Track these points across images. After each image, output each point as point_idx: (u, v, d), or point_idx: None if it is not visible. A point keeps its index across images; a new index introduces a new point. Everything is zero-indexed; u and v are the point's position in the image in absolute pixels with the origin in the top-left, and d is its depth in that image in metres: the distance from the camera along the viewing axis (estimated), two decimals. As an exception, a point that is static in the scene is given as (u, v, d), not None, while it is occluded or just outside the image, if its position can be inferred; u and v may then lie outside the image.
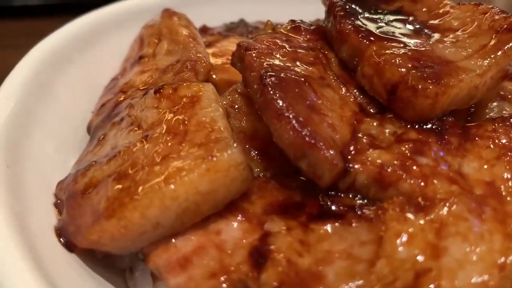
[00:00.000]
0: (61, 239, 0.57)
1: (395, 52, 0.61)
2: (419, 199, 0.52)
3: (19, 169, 0.59)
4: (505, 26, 0.63)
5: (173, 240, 0.53)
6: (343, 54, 0.66)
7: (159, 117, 0.58)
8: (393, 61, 0.60)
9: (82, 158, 0.64)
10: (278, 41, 0.67)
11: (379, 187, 0.54)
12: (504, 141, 0.58)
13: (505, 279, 0.47)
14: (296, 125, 0.52)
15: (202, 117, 0.56)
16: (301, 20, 0.75)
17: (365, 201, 0.54)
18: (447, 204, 0.51)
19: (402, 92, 0.58)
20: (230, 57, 0.81)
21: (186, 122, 0.56)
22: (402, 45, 0.63)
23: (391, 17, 0.70)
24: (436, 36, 0.67)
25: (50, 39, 0.78)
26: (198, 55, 0.69)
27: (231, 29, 0.91)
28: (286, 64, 0.62)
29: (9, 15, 1.59)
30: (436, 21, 0.69)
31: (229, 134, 0.55)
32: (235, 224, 0.53)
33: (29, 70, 0.70)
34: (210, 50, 0.80)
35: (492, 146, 0.58)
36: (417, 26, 0.69)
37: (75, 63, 0.80)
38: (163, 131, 0.56)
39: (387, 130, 0.59)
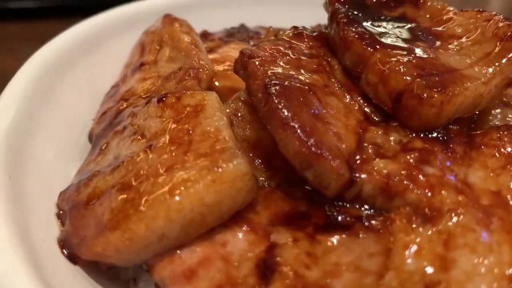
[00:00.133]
0: (64, 250, 0.56)
1: (400, 60, 0.61)
2: (426, 210, 0.51)
3: (21, 179, 0.58)
4: (509, 33, 0.63)
5: (178, 252, 0.52)
6: (347, 61, 0.66)
7: (162, 126, 0.58)
8: (397, 69, 0.59)
9: (84, 167, 0.64)
10: (281, 48, 0.67)
11: (385, 197, 0.53)
12: (509, 149, 0.58)
13: (514, 290, 0.47)
14: (301, 135, 0.52)
15: (207, 127, 0.56)
16: (303, 27, 0.75)
17: (372, 211, 0.54)
18: (455, 215, 0.50)
19: (407, 101, 0.58)
20: (231, 63, 0.81)
21: (191, 131, 0.56)
22: (406, 52, 0.63)
23: (394, 24, 0.70)
24: (440, 43, 0.66)
25: (52, 44, 0.77)
26: (200, 62, 0.68)
27: (231, 34, 0.91)
28: (290, 72, 0.62)
29: (5, 18, 1.57)
30: (439, 28, 0.69)
31: (234, 144, 0.54)
32: (241, 235, 0.52)
33: (30, 77, 0.70)
34: (211, 56, 0.80)
35: (497, 155, 0.57)
36: (421, 33, 0.69)
37: (77, 69, 0.80)
38: (167, 141, 0.56)
39: (392, 139, 0.58)
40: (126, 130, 0.62)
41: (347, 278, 0.48)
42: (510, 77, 0.62)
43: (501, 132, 0.60)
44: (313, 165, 0.51)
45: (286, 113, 0.54)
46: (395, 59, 0.61)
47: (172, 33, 0.75)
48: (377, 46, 0.63)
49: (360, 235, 0.51)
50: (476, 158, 0.58)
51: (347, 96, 0.63)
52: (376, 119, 0.62)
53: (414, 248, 0.48)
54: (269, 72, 0.60)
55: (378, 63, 0.61)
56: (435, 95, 0.57)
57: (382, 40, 0.65)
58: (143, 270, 0.60)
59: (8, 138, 0.60)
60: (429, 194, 0.52)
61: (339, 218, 0.53)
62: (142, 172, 0.54)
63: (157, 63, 0.73)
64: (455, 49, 0.65)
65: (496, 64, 0.61)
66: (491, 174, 0.56)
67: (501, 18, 0.65)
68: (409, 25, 0.70)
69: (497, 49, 0.63)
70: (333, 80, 0.64)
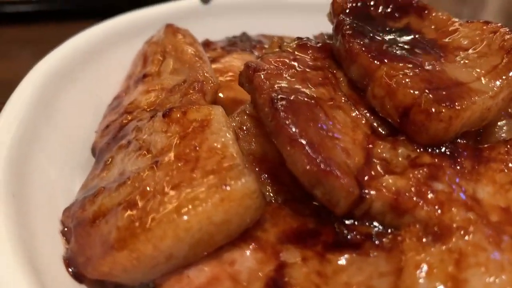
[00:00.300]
0: (69, 269, 0.55)
1: (407, 73, 0.60)
2: (436, 228, 0.51)
3: (25, 197, 0.57)
4: (516, 46, 0.63)
5: (186, 271, 0.52)
6: (352, 74, 0.65)
7: (168, 142, 0.57)
8: (405, 82, 0.59)
9: (88, 182, 0.63)
10: (286, 61, 0.66)
11: (395, 214, 0.53)
12: (517, 164, 0.58)
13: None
14: (310, 151, 0.52)
15: (213, 143, 0.55)
16: (308, 38, 0.74)
17: (381, 228, 0.53)
18: (465, 233, 0.50)
19: (415, 115, 0.57)
20: (234, 74, 0.81)
21: (197, 148, 0.55)
22: (412, 65, 0.62)
23: (400, 35, 0.70)
24: (446, 55, 0.66)
25: (51, 57, 0.76)
26: (205, 75, 0.67)
27: (234, 43, 0.90)
28: (296, 86, 0.61)
29: (1, 22, 1.56)
30: (445, 40, 0.69)
31: (241, 160, 0.54)
32: (250, 254, 0.52)
33: (30, 92, 0.69)
34: (214, 66, 0.79)
35: (505, 170, 0.57)
36: (426, 45, 0.68)
37: (78, 81, 0.79)
38: (174, 158, 0.55)
39: (400, 154, 0.58)
40: (131, 145, 0.61)
41: (358, 298, 0.47)
42: (517, 90, 0.61)
43: (508, 146, 0.60)
44: (322, 182, 0.51)
45: (294, 129, 0.53)
46: (402, 72, 0.61)
47: (176, 44, 0.75)
48: (384, 59, 0.63)
49: (371, 254, 0.50)
50: (484, 173, 0.57)
51: (354, 110, 0.63)
52: (383, 132, 0.61)
53: (425, 268, 0.47)
54: (275, 86, 0.60)
55: (384, 76, 0.61)
56: (443, 110, 0.56)
57: (388, 52, 0.65)
58: (149, 288, 0.59)
59: (11, 156, 0.59)
60: (439, 211, 0.52)
61: (349, 236, 0.52)
62: (148, 189, 0.54)
63: (161, 75, 0.73)
64: (461, 61, 0.64)
65: (503, 77, 0.60)
66: (500, 190, 0.55)
67: (507, 30, 0.65)
68: (414, 37, 0.70)
69: (504, 62, 0.62)
70: (339, 93, 0.64)
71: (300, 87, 0.61)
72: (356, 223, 0.54)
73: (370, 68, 0.63)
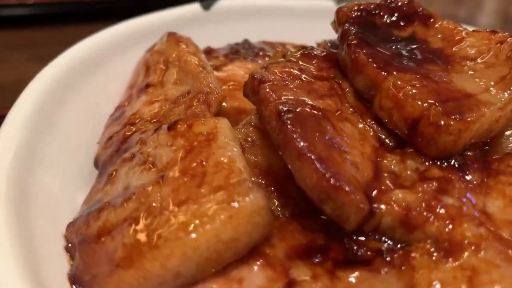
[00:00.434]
0: (74, 287, 0.54)
1: (415, 85, 0.60)
2: (446, 244, 0.50)
3: (28, 214, 0.56)
4: (523, 57, 0.62)
5: (194, 289, 0.51)
6: (359, 85, 0.65)
7: (174, 156, 0.56)
8: (413, 94, 0.58)
9: (92, 196, 0.62)
10: (292, 71, 0.65)
11: (405, 229, 0.52)
12: (527, 177, 0.57)
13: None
14: (319, 166, 0.51)
15: (220, 157, 0.54)
16: (312, 47, 0.73)
17: (391, 243, 0.53)
18: (477, 249, 0.49)
19: (424, 128, 0.57)
20: (237, 82, 0.80)
21: (204, 162, 0.54)
22: (420, 76, 0.62)
23: (405, 45, 0.69)
24: (453, 65, 0.65)
25: (51, 67, 0.75)
26: (210, 85, 0.67)
27: (236, 51, 0.89)
28: (302, 97, 0.60)
29: (-4, 26, 1.54)
30: (451, 49, 0.68)
31: (248, 176, 0.53)
32: (258, 271, 0.51)
33: (30, 104, 0.67)
34: (216, 75, 0.78)
35: (515, 182, 0.57)
36: (432, 54, 0.67)
37: (78, 91, 0.78)
38: (180, 172, 0.54)
39: (409, 167, 0.57)
40: (135, 158, 0.60)
41: (370, 317, 0.47)
42: (525, 101, 0.61)
43: (517, 158, 0.59)
44: (332, 198, 0.50)
45: (302, 143, 0.53)
46: (410, 83, 0.60)
47: (179, 53, 0.74)
48: (391, 70, 0.62)
49: (382, 271, 0.50)
50: (494, 186, 0.57)
51: (361, 121, 0.62)
52: (390, 144, 0.61)
53: (438, 286, 0.47)
54: (282, 98, 0.59)
55: (392, 87, 0.60)
56: (452, 123, 0.56)
57: (395, 62, 0.64)
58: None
59: (13, 173, 0.58)
60: (450, 226, 0.51)
61: (359, 252, 0.51)
62: (154, 205, 0.53)
63: (164, 85, 0.72)
64: (469, 72, 0.63)
65: (512, 88, 0.60)
66: (510, 203, 0.55)
67: (514, 40, 0.65)
68: (420, 46, 0.69)
69: (512, 72, 0.62)
70: (346, 104, 0.63)
71: (307, 98, 0.61)
72: (365, 238, 0.53)
73: (376, 79, 0.62)
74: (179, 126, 0.59)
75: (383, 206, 0.52)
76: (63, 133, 0.71)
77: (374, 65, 0.63)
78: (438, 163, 0.58)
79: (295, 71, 0.66)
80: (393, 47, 0.68)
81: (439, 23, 0.72)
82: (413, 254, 0.50)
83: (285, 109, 0.56)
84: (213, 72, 0.73)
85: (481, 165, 0.59)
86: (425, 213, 0.52)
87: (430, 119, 0.56)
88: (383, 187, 0.54)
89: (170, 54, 0.75)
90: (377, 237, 0.53)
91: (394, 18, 0.73)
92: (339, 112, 0.61)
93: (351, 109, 0.63)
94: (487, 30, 0.68)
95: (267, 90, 0.60)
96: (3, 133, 0.62)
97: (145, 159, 0.59)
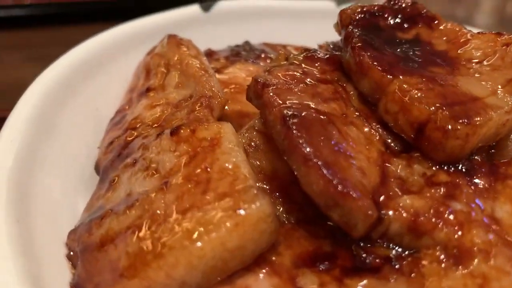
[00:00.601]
0: (76, 296, 0.53)
1: (421, 88, 0.59)
2: (455, 250, 0.50)
3: (29, 221, 0.55)
4: (530, 59, 0.62)
5: (199, 298, 0.50)
6: (363, 88, 0.64)
7: (177, 162, 0.55)
8: (419, 98, 0.57)
9: (93, 202, 0.61)
10: (295, 74, 0.64)
11: (413, 235, 0.51)
12: (535, 181, 0.56)
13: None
14: (326, 172, 0.50)
15: (225, 163, 0.53)
16: (315, 49, 0.72)
17: (400, 250, 0.52)
18: (487, 256, 0.49)
19: (431, 132, 0.56)
20: (238, 85, 0.79)
21: (208, 169, 0.53)
22: (425, 79, 0.61)
23: (410, 47, 0.68)
24: (458, 68, 0.65)
25: (50, 71, 0.74)
26: (212, 89, 0.66)
27: (237, 53, 0.88)
28: (307, 101, 0.60)
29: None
30: (456, 52, 0.67)
31: (254, 182, 0.52)
32: (265, 279, 0.50)
33: (30, 109, 0.66)
34: (218, 77, 0.77)
35: (523, 187, 0.56)
36: (437, 57, 0.67)
37: (78, 95, 0.76)
38: (184, 179, 0.53)
39: (416, 171, 0.57)
40: (137, 164, 0.59)
41: (380, 327, 0.46)
42: (532, 104, 0.60)
43: (525, 162, 0.58)
44: (340, 204, 0.49)
45: (308, 149, 0.52)
46: (416, 86, 0.59)
47: (180, 56, 0.73)
48: (396, 73, 0.61)
49: (390, 279, 0.49)
50: (502, 191, 0.56)
51: (366, 125, 0.61)
52: (396, 148, 0.60)
53: (448, 294, 0.46)
54: (287, 102, 0.58)
55: (397, 91, 0.59)
56: (460, 127, 0.55)
57: (400, 65, 0.63)
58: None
59: (13, 179, 0.57)
60: (459, 232, 0.51)
61: (367, 259, 0.51)
62: (158, 213, 0.52)
63: (165, 89, 0.71)
64: (475, 75, 0.63)
65: (519, 91, 0.59)
66: (519, 208, 0.54)
67: (520, 43, 0.64)
68: (425, 48, 0.68)
69: (518, 75, 0.61)
70: (351, 108, 0.62)
71: (311, 102, 0.60)
72: (373, 245, 0.52)
73: (382, 82, 0.61)
74: (182, 131, 0.58)
75: (391, 212, 0.51)
76: (63, 137, 0.70)
77: (379, 68, 0.62)
78: (445, 167, 0.57)
79: (299, 75, 0.65)
80: (398, 50, 0.67)
81: (443, 25, 0.71)
82: (422, 261, 0.49)
83: (290, 113, 0.55)
84: (215, 75, 0.72)
85: (489, 169, 0.58)
86: (433, 219, 0.51)
87: (437, 123, 0.55)
88: (390, 193, 0.53)
89: (171, 57, 0.74)
90: (385, 244, 0.52)
91: (398, 20, 0.72)
92: (344, 116, 0.60)
93: (356, 113, 0.62)
94: (493, 32, 0.67)
95: (271, 94, 0.59)
96: (3, 139, 0.61)
97: (147, 165, 0.58)
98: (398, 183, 0.55)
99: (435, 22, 0.72)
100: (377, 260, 0.50)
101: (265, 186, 0.60)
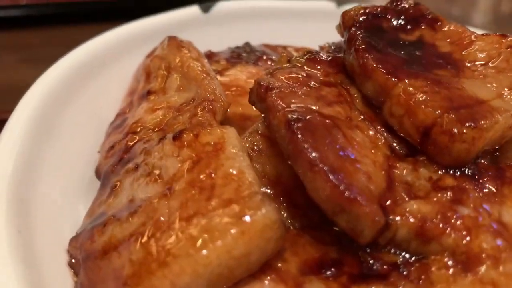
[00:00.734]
0: (79, 305, 0.52)
1: (426, 91, 0.58)
2: (464, 256, 0.49)
3: (29, 228, 0.54)
4: (535, 62, 0.61)
5: (204, 306, 0.49)
6: (367, 91, 0.63)
7: (181, 167, 0.54)
8: (425, 101, 0.57)
9: (95, 208, 0.60)
10: (298, 77, 0.64)
11: (420, 241, 0.51)
12: (542, 185, 0.56)
13: None
14: (332, 178, 0.49)
15: (229, 169, 0.53)
16: (317, 51, 0.72)
17: (407, 255, 0.51)
18: (496, 262, 0.48)
19: (437, 136, 0.55)
20: (239, 87, 0.78)
21: (212, 174, 0.52)
22: (430, 82, 0.60)
23: (413, 49, 0.67)
24: (462, 70, 0.64)
25: (49, 74, 0.73)
26: (215, 92, 0.65)
27: (237, 54, 0.88)
28: (311, 105, 0.59)
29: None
30: (460, 54, 0.66)
31: (258, 188, 0.51)
32: (271, 287, 0.49)
33: (29, 114, 0.65)
34: (219, 79, 0.76)
35: (530, 191, 0.55)
36: (441, 59, 0.66)
37: (77, 98, 0.75)
38: (188, 185, 0.52)
39: (422, 176, 0.56)
40: (139, 169, 0.59)
41: (389, 336, 0.45)
42: (538, 106, 0.59)
43: (531, 165, 0.58)
44: (346, 210, 0.49)
45: (313, 154, 0.51)
46: (421, 89, 0.58)
47: (181, 59, 0.72)
48: (400, 75, 0.60)
49: (399, 286, 0.48)
50: (509, 195, 0.56)
51: (371, 128, 0.60)
52: (402, 152, 0.59)
53: (458, 302, 0.46)
54: (291, 105, 0.57)
55: (402, 94, 0.59)
56: (466, 130, 0.54)
57: (404, 68, 0.63)
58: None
59: (13, 184, 0.56)
60: (467, 238, 0.50)
61: (374, 266, 0.50)
62: (162, 220, 0.51)
63: (166, 92, 0.70)
64: (479, 77, 0.62)
65: (524, 94, 0.59)
66: (526, 213, 0.54)
67: (525, 45, 0.64)
68: (429, 50, 0.68)
69: (524, 77, 0.60)
70: (355, 111, 0.62)
71: (315, 106, 0.59)
72: (380, 251, 0.51)
73: (386, 85, 0.60)
74: (185, 135, 0.57)
75: (398, 218, 0.51)
76: (62, 142, 0.69)
77: (383, 70, 0.61)
78: (451, 171, 0.57)
79: (302, 77, 0.64)
80: (401, 52, 0.66)
81: (447, 27, 0.70)
82: (430, 268, 0.49)
83: (294, 117, 0.55)
84: (217, 78, 0.71)
85: (495, 173, 0.58)
86: (441, 225, 0.51)
87: (443, 126, 0.55)
88: (397, 198, 0.53)
89: (172, 60, 0.73)
90: (392, 250, 0.52)
91: (401, 22, 0.71)
92: (349, 119, 0.60)
93: (360, 116, 0.61)
94: (497, 33, 0.67)
95: (275, 97, 0.58)
96: (2, 144, 0.60)
97: (150, 170, 0.57)
98: (405, 187, 0.54)
99: (438, 24, 0.71)
100: (384, 267, 0.50)
101: (269, 191, 0.59)
